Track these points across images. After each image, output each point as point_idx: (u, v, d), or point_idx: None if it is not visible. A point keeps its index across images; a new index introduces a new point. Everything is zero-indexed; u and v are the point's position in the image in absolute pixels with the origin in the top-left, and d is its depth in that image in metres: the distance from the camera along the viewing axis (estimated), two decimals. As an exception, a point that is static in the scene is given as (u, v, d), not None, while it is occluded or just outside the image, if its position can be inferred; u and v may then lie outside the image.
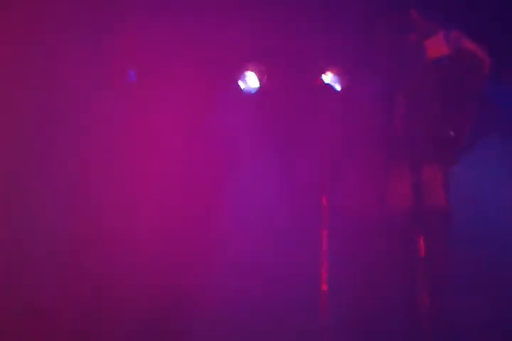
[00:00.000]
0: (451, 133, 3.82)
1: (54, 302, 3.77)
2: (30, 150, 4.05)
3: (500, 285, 4.27)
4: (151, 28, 4.25)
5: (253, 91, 4.55)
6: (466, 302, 4.14)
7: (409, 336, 3.81)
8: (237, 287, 4.21)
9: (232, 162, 4.42)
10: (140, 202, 4.07)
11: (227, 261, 4.25)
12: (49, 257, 3.88)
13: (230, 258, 4.26)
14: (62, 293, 3.83)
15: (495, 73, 4.01)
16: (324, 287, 3.94)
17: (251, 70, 4.53)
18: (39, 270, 3.82)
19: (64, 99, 4.11)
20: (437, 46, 3.87)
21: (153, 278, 4.01)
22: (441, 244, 3.98)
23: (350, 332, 3.93)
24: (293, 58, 4.50)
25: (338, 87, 4.53)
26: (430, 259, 3.82)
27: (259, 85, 4.54)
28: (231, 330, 4.12)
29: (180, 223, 4.20)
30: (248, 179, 4.44)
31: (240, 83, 4.53)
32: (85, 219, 3.98)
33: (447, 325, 3.79)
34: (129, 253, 3.96)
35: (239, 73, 4.52)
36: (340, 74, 4.47)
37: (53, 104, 4.10)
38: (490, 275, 4.30)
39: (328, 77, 4.47)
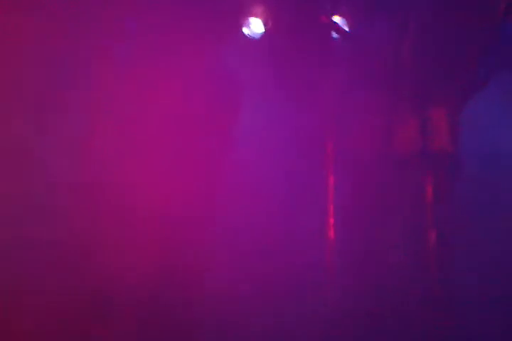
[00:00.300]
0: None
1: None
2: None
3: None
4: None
5: (258, 37, 4.51)
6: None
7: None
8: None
9: (238, 107, 4.38)
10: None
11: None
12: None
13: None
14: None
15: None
16: (331, 235, 3.95)
17: (255, 15, 4.47)
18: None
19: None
20: None
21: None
22: (448, 187, 3.99)
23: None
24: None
25: (346, 28, 4.48)
26: (437, 203, 3.83)
27: (264, 30, 4.49)
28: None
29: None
30: (253, 123, 4.39)
31: (245, 29, 4.48)
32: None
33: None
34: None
35: (243, 18, 4.46)
36: (348, 15, 4.42)
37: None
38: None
39: (336, 18, 4.41)
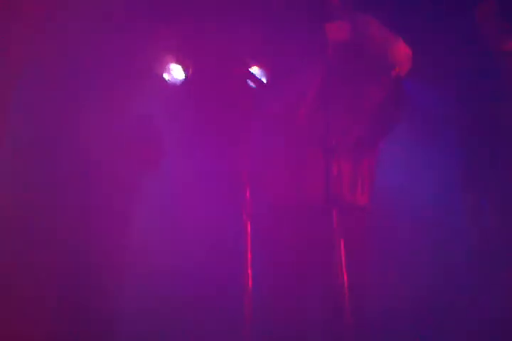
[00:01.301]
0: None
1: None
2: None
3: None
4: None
5: (178, 83, 4.56)
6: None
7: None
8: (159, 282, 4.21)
9: (155, 153, 4.43)
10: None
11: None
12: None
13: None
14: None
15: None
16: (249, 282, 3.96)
17: (176, 62, 4.54)
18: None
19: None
20: (339, 30, 3.87)
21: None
22: (360, 239, 4.03)
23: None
24: (218, 50, 4.51)
25: (263, 80, 4.57)
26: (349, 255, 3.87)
27: (184, 77, 4.56)
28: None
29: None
30: (169, 172, 4.46)
31: (165, 75, 4.54)
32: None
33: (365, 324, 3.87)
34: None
35: (164, 65, 4.53)
36: (265, 67, 4.51)
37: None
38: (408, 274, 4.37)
39: (253, 70, 4.51)
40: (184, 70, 4.55)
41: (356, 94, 3.92)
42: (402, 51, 3.98)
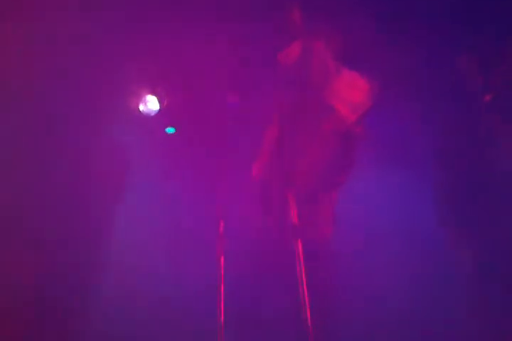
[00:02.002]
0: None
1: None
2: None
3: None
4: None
5: (153, 114, 4.65)
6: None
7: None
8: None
9: (128, 183, 4.52)
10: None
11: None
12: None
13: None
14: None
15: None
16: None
17: (151, 93, 4.62)
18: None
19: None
20: (286, 58, 3.94)
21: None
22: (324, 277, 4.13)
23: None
24: (194, 82, 4.59)
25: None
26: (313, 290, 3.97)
27: (159, 108, 4.64)
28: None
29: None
30: (144, 200, 4.55)
31: (140, 106, 4.62)
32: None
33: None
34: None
35: (138, 96, 4.61)
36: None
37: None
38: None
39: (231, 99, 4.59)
40: (159, 101, 4.63)
41: (309, 137, 4.01)
42: (345, 88, 4.02)
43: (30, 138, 4.32)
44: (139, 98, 4.63)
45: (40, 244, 4.11)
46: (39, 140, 4.33)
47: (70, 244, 4.20)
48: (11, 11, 4.21)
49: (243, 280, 4.29)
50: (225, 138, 4.52)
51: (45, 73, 4.24)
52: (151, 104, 4.65)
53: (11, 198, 4.04)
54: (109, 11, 4.23)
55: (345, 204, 4.28)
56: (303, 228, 4.03)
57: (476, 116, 4.63)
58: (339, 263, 4.23)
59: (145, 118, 4.64)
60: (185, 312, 4.34)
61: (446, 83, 4.57)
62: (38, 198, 4.16)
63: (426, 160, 4.64)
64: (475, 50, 4.42)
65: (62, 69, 4.31)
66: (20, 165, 4.26)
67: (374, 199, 4.52)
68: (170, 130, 4.71)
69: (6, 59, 4.15)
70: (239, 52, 4.39)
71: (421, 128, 4.79)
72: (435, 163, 4.75)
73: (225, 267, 4.15)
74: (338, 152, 4.16)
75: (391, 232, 4.47)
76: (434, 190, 4.57)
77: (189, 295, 4.39)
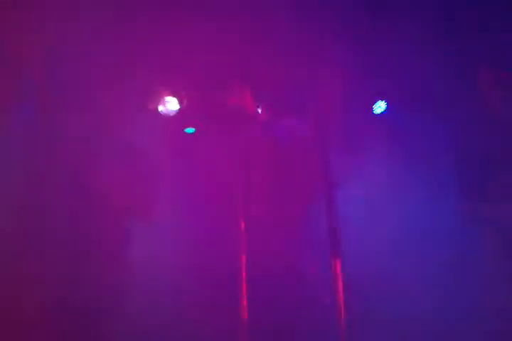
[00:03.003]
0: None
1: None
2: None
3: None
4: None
5: (172, 115, 4.61)
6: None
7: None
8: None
9: (145, 184, 4.52)
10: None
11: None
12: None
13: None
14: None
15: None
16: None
17: (171, 94, 4.58)
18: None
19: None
20: None
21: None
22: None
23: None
24: (213, 83, 4.56)
25: (259, 110, 4.66)
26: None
27: (178, 108, 4.60)
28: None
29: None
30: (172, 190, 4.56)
31: (160, 107, 4.58)
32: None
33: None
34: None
35: (158, 97, 4.57)
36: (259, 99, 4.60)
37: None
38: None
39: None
40: (179, 102, 4.59)
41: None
42: None
43: (49, 142, 4.31)
44: (159, 99, 4.58)
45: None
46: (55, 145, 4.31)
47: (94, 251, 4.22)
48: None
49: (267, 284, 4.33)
50: (244, 139, 4.53)
51: (66, 76, 4.20)
52: (170, 104, 4.61)
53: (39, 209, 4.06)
54: (131, 11, 4.16)
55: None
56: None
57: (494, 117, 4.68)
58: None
59: (164, 119, 4.60)
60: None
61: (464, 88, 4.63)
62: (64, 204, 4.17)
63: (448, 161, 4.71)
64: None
65: (82, 70, 4.26)
66: (49, 175, 4.27)
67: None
68: (189, 130, 4.68)
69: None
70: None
71: (439, 128, 4.86)
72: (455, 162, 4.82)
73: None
74: None
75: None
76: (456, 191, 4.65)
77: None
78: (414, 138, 4.86)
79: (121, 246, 4.43)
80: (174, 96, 4.57)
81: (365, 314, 4.10)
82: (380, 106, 5.02)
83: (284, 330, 4.23)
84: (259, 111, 4.53)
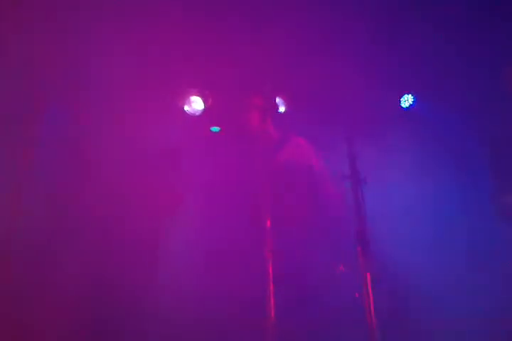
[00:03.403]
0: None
1: None
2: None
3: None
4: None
5: (198, 114, 4.64)
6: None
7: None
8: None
9: (172, 183, 4.55)
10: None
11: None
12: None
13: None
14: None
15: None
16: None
17: (196, 94, 4.60)
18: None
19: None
20: None
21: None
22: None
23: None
24: (239, 83, 4.57)
25: (282, 109, 4.65)
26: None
27: (203, 108, 4.63)
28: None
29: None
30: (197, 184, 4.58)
31: (185, 106, 4.61)
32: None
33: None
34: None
35: (184, 97, 4.60)
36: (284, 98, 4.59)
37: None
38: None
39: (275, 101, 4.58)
40: (204, 102, 4.62)
41: None
42: None
43: (78, 142, 4.37)
44: (184, 98, 4.61)
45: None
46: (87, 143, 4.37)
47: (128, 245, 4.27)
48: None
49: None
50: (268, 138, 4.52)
51: (92, 77, 4.26)
52: (195, 104, 4.64)
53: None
54: (155, 11, 4.20)
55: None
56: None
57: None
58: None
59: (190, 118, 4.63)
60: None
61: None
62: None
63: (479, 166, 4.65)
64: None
65: (108, 71, 4.31)
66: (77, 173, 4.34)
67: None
68: (215, 129, 4.70)
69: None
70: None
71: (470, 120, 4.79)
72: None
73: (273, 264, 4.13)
74: None
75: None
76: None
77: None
78: (444, 132, 4.80)
79: (150, 246, 4.48)
80: (199, 96, 4.60)
81: (394, 313, 4.06)
82: (407, 100, 4.97)
83: (312, 330, 4.20)
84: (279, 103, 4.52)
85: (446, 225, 4.44)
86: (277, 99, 4.59)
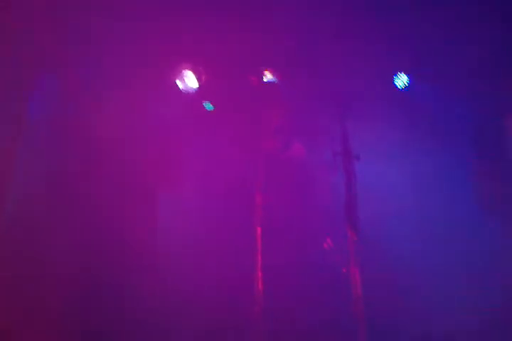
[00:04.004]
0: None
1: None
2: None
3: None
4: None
5: (192, 91, 4.64)
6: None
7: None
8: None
9: (167, 161, 4.56)
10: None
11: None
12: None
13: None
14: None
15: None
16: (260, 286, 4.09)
17: (190, 70, 4.61)
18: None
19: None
20: None
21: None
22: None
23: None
24: (232, 60, 4.57)
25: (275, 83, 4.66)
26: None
27: (198, 85, 4.63)
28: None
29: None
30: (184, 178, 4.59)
31: (179, 83, 4.61)
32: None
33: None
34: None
35: (178, 73, 4.60)
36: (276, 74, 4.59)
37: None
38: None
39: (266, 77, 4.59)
40: (197, 78, 4.62)
41: None
42: None
43: (75, 118, 4.39)
44: (178, 75, 4.62)
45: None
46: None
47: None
48: None
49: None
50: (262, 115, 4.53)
51: (86, 55, 4.27)
52: (189, 81, 4.64)
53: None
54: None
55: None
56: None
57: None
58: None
59: (184, 95, 4.64)
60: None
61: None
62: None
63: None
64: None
65: (97, 46, 4.32)
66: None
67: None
68: (208, 107, 4.71)
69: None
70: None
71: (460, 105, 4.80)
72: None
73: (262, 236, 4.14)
74: None
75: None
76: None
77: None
78: (435, 113, 4.80)
79: (147, 218, 4.47)
80: (193, 73, 4.61)
81: (381, 287, 4.07)
82: (401, 80, 4.97)
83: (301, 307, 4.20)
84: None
85: (431, 202, 4.46)
86: (271, 76, 4.61)
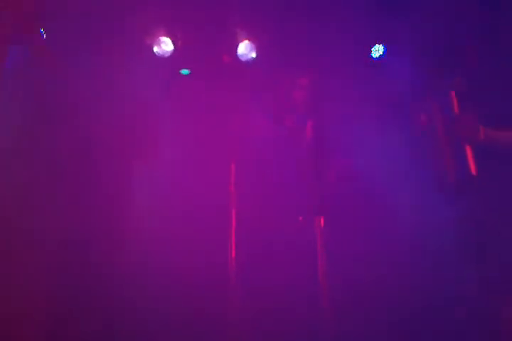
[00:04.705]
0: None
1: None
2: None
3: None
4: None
5: (167, 55, 4.56)
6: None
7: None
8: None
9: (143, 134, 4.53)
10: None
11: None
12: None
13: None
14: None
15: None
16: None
17: (166, 35, 4.50)
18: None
19: None
20: None
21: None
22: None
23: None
24: (210, 27, 4.47)
25: (253, 55, 4.61)
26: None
27: (173, 49, 4.54)
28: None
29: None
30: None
31: (154, 47, 4.52)
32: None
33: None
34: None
35: (153, 37, 4.49)
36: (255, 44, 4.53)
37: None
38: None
39: (243, 46, 4.53)
40: (174, 43, 4.52)
41: None
42: None
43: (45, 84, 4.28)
44: (153, 39, 4.51)
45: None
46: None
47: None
48: None
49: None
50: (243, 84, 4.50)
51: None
52: (165, 45, 4.55)
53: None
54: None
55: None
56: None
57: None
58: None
59: (160, 59, 4.55)
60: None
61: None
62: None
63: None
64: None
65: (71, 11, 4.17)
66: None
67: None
68: (184, 72, 4.65)
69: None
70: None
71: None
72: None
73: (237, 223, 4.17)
74: None
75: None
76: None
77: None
78: (411, 87, 4.80)
79: (120, 192, 4.46)
80: (169, 37, 4.51)
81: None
82: (378, 50, 4.95)
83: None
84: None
85: (403, 180, 4.53)
86: (248, 45, 4.55)
